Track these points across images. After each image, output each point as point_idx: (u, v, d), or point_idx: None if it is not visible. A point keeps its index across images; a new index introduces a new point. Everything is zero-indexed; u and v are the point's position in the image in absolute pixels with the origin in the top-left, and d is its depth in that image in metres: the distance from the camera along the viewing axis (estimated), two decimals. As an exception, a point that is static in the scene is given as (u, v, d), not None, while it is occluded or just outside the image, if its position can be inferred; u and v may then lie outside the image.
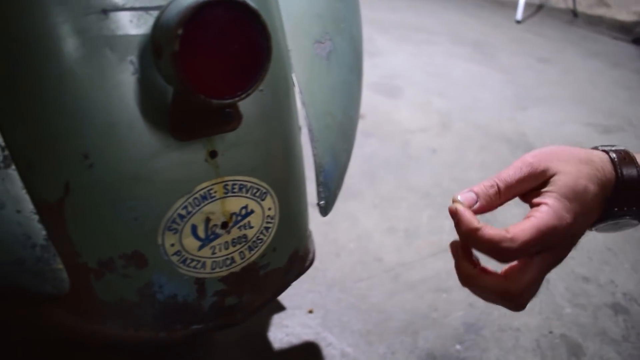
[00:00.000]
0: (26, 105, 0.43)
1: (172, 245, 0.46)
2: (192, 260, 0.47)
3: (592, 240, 1.30)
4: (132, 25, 0.42)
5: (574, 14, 4.10)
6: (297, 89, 0.60)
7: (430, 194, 1.45)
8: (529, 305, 0.48)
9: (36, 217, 0.46)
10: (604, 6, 4.16)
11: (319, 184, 0.62)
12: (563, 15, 4.08)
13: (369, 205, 1.39)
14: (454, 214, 0.46)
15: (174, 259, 0.46)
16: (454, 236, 0.48)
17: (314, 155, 0.61)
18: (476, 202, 0.48)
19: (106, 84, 0.42)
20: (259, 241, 0.51)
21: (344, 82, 0.68)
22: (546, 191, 0.50)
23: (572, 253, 0.50)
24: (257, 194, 0.49)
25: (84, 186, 0.44)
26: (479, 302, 1.05)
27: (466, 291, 0.49)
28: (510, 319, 1.04)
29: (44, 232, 0.47)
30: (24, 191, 0.46)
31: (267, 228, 0.51)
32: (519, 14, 3.67)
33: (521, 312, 1.03)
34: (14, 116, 0.45)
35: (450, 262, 0.49)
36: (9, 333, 0.79)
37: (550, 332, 1.04)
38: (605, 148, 0.53)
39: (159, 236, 0.45)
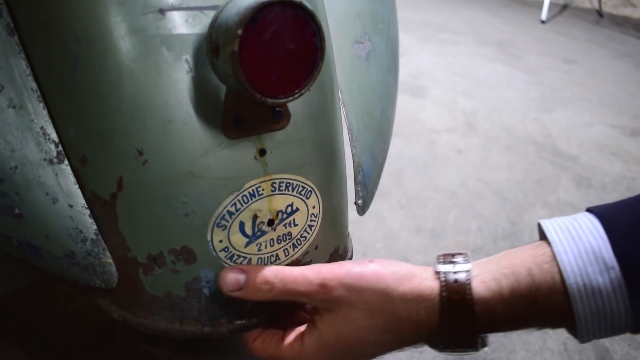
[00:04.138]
0: (83, 102, 0.44)
1: (221, 241, 0.47)
2: (239, 256, 0.48)
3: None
4: (187, 24, 0.43)
5: (600, 14, 4.05)
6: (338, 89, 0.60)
7: (456, 194, 1.45)
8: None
9: (87, 211, 0.48)
10: (630, 6, 4.11)
11: (357, 183, 0.62)
12: (588, 15, 4.04)
13: (395, 204, 1.39)
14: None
15: (222, 254, 0.47)
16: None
17: (353, 154, 0.62)
18: (240, 288, 0.47)
19: (162, 82, 0.43)
20: (303, 239, 0.52)
21: (382, 82, 0.68)
22: (313, 324, 0.48)
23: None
24: (303, 192, 0.50)
25: (137, 182, 0.45)
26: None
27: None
28: (538, 321, 1.04)
29: (94, 227, 0.48)
30: (76, 186, 0.47)
31: (310, 226, 0.52)
32: (544, 14, 3.64)
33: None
34: (69, 113, 0.46)
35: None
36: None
37: (579, 335, 1.03)
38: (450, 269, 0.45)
39: (209, 232, 0.46)
